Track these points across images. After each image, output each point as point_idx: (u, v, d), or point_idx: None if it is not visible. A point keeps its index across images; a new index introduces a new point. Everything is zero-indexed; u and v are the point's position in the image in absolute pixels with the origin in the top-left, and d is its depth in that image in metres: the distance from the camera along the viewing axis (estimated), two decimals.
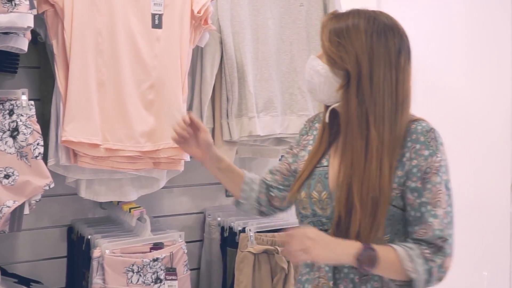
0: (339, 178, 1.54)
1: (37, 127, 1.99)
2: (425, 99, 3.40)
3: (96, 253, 2.16)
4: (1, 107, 1.95)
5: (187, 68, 2.28)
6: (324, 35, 1.56)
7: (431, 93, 3.47)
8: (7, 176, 1.94)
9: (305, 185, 1.63)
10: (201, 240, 2.70)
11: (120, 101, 2.17)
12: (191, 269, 2.44)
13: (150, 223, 2.30)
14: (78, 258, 2.35)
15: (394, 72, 1.52)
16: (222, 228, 2.57)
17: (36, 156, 1.97)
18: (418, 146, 1.51)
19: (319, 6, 2.56)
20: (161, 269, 2.23)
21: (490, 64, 3.63)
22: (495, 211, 3.74)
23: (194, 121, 1.71)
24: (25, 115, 1.96)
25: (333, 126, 1.63)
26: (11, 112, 1.96)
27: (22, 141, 1.95)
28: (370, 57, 1.49)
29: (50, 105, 2.19)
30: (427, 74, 3.41)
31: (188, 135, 1.72)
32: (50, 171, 2.10)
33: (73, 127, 2.08)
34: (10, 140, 1.95)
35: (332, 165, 1.61)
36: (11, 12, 1.79)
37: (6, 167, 1.94)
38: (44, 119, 2.23)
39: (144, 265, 2.20)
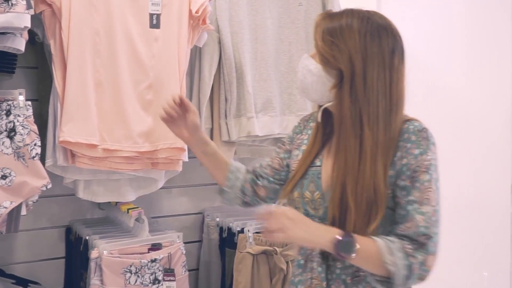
0: (332, 178, 1.54)
1: (34, 127, 1.98)
2: (425, 99, 3.42)
3: (94, 254, 2.15)
4: None
5: (185, 68, 2.27)
6: (318, 34, 1.55)
7: (431, 93, 3.46)
8: (4, 177, 1.94)
9: (298, 185, 1.63)
10: (200, 241, 2.69)
11: (118, 101, 2.16)
12: (190, 270, 2.43)
13: (148, 224, 2.29)
14: (76, 259, 2.35)
15: (388, 72, 1.51)
16: (221, 229, 2.57)
17: (33, 157, 1.97)
18: (409, 145, 1.50)
19: (318, 6, 2.55)
20: (159, 270, 2.22)
21: (490, 64, 3.63)
22: (495, 211, 3.74)
23: (184, 101, 1.71)
24: (22, 116, 1.96)
25: (327, 126, 1.63)
26: (8, 113, 1.95)
27: (19, 142, 1.94)
28: (364, 57, 1.49)
29: (48, 105, 2.18)
30: (427, 74, 3.43)
31: (177, 114, 1.72)
32: (48, 172, 2.09)
33: (71, 128, 2.07)
34: (7, 141, 1.94)
35: (325, 165, 1.61)
36: (7, 12, 1.78)
37: (3, 168, 1.94)
38: (42, 120, 2.22)
39: (142, 266, 2.19)
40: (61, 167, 2.17)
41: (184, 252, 2.30)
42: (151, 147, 2.21)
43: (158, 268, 2.22)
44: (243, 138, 2.46)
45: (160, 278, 2.22)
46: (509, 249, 3.81)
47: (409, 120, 1.55)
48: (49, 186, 2.01)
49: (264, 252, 2.36)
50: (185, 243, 2.36)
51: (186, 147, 2.21)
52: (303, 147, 1.69)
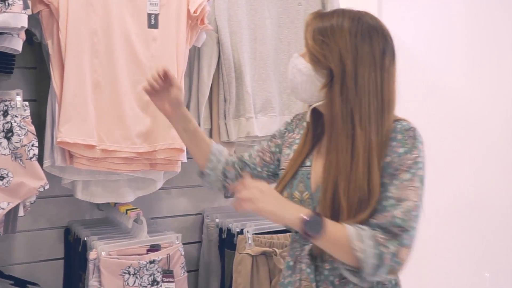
0: (323, 178, 1.53)
1: (32, 128, 1.97)
2: (426, 99, 3.42)
3: (92, 255, 2.15)
4: None
5: (183, 69, 2.26)
6: (308, 33, 1.56)
7: (432, 93, 3.47)
8: (1, 178, 1.93)
9: (288, 185, 1.63)
10: (200, 242, 2.68)
11: (116, 101, 2.15)
12: (190, 271, 2.42)
13: (147, 225, 2.28)
14: (75, 260, 2.34)
15: (379, 72, 1.51)
16: (220, 230, 2.56)
17: (31, 158, 1.96)
18: (394, 144, 1.50)
19: (318, 6, 2.54)
20: (158, 271, 2.21)
21: (491, 64, 3.63)
22: (496, 211, 3.73)
23: (168, 75, 1.71)
24: (19, 116, 1.95)
25: (317, 127, 1.63)
26: (5, 113, 1.94)
27: (16, 142, 1.94)
28: (355, 56, 1.49)
29: (46, 105, 2.17)
30: (427, 74, 3.43)
31: (160, 87, 1.72)
32: (46, 173, 2.09)
33: (69, 128, 2.06)
34: (5, 141, 1.94)
35: (314, 165, 1.61)
36: (4, 12, 1.77)
37: (0, 169, 1.93)
38: (40, 120, 2.21)
39: (140, 267, 2.18)
40: (59, 168, 2.16)
41: (183, 253, 2.29)
42: (149, 148, 2.20)
43: (156, 269, 2.21)
44: (242, 139, 2.45)
45: (159, 279, 2.21)
46: (511, 250, 3.80)
47: (398, 120, 1.55)
48: (47, 187, 2.00)
49: (264, 253, 2.35)
50: (184, 244, 2.35)
51: (184, 147, 2.20)
52: (295, 147, 1.69)
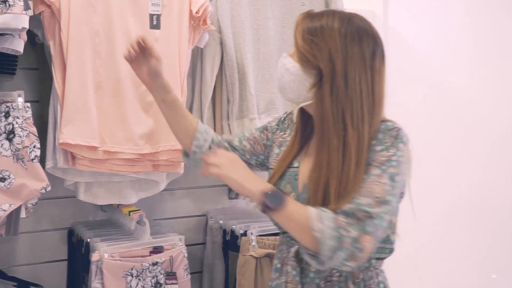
0: (314, 177, 1.52)
1: (34, 129, 1.97)
2: (429, 99, 3.41)
3: (94, 256, 2.14)
4: None
5: (186, 69, 2.25)
6: (298, 33, 1.55)
7: (435, 92, 3.47)
8: (3, 179, 1.92)
9: (275, 186, 1.60)
10: (203, 243, 2.67)
11: (118, 102, 2.14)
12: (194, 273, 2.41)
13: (149, 226, 2.27)
14: (78, 261, 2.33)
15: (369, 74, 1.50)
16: (224, 231, 2.54)
17: (33, 159, 1.95)
18: (374, 142, 1.49)
19: (321, 6, 2.52)
20: (161, 273, 2.20)
21: (494, 64, 3.61)
22: (501, 212, 3.71)
23: (147, 45, 1.73)
24: (21, 117, 1.95)
25: (306, 127, 1.63)
26: (7, 114, 1.94)
27: (18, 144, 1.93)
28: (344, 57, 1.48)
29: (49, 107, 2.16)
30: (430, 73, 3.42)
31: (137, 55, 1.74)
32: (49, 174, 2.08)
33: (71, 130, 2.06)
34: (6, 143, 1.93)
35: (302, 166, 1.61)
36: (5, 13, 1.77)
37: (2, 170, 1.93)
38: (43, 121, 2.21)
39: (143, 269, 2.17)
40: (62, 169, 2.16)
41: (186, 255, 2.27)
42: (152, 149, 2.19)
43: (159, 271, 2.19)
44: None
45: (161, 281, 2.20)
46: None
47: (384, 121, 1.54)
48: (48, 188, 2.00)
49: (268, 255, 2.34)
50: (188, 245, 2.34)
51: None
52: (284, 148, 1.70)
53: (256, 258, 2.33)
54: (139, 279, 2.17)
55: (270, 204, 1.43)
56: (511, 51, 3.66)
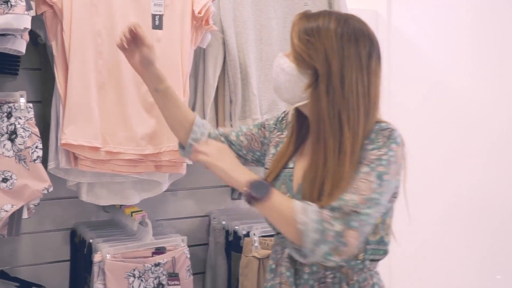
0: (310, 177, 1.51)
1: (36, 130, 1.96)
2: (429, 98, 3.40)
3: (97, 257, 2.13)
4: None
5: (188, 70, 2.24)
6: (294, 33, 1.55)
7: (435, 91, 3.46)
8: (5, 180, 1.92)
9: None
10: (206, 244, 2.66)
11: (121, 103, 2.14)
12: (196, 273, 2.40)
13: (152, 227, 2.26)
14: (80, 262, 2.33)
15: (366, 75, 1.50)
16: (227, 232, 2.54)
17: (35, 160, 1.95)
18: (366, 142, 1.49)
19: (324, 6, 2.52)
20: (163, 274, 2.19)
21: (495, 64, 3.61)
22: (504, 212, 3.70)
23: (138, 34, 1.72)
24: (23, 118, 1.94)
25: (301, 128, 1.63)
26: (9, 115, 1.94)
27: (20, 144, 1.93)
28: (341, 57, 1.48)
29: (51, 107, 2.16)
30: (431, 72, 3.41)
31: (128, 43, 1.74)
32: (51, 174, 2.08)
33: (73, 130, 2.05)
34: (8, 143, 1.93)
35: (297, 167, 1.61)
36: (7, 13, 1.76)
37: (4, 171, 1.92)
38: (45, 121, 2.21)
39: (145, 270, 2.16)
40: (64, 170, 2.16)
41: (188, 256, 2.27)
42: (154, 150, 2.18)
43: (162, 272, 2.19)
44: None
45: (164, 282, 2.19)
46: None
47: (379, 122, 1.54)
48: (50, 189, 1.99)
49: None
50: (191, 246, 2.34)
51: None
52: (279, 148, 1.70)
53: (258, 259, 2.33)
54: (141, 280, 2.16)
55: (255, 194, 1.45)
56: (511, 52, 3.66)
